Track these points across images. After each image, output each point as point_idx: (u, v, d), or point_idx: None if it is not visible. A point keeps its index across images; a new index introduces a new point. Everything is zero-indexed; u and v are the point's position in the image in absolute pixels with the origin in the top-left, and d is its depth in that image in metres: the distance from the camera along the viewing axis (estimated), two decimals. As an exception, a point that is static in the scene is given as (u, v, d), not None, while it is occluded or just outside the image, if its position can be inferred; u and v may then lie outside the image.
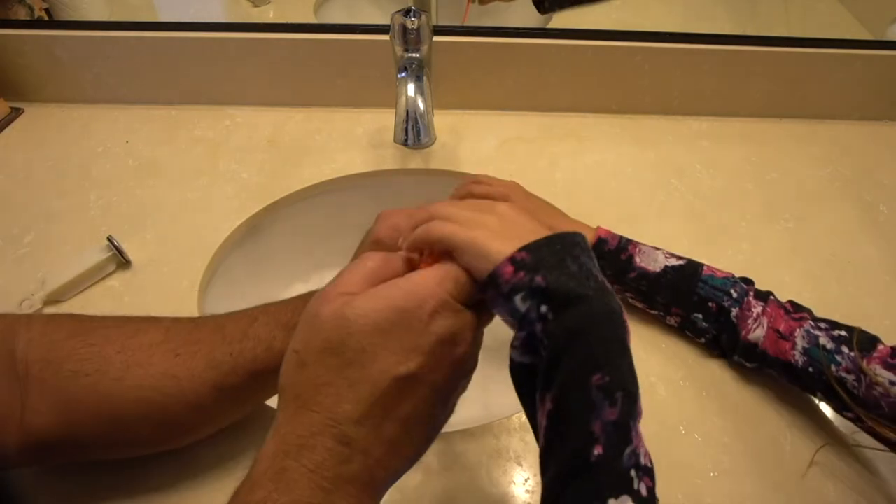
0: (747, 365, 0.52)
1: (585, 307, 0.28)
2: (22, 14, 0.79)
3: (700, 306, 0.52)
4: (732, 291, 0.51)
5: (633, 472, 0.26)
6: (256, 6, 0.88)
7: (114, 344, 0.41)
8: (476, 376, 0.33)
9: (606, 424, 0.26)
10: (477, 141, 0.77)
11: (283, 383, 0.30)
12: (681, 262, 0.53)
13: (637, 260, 0.53)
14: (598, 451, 0.26)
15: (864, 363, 0.44)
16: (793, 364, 0.48)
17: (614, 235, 0.55)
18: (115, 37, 0.75)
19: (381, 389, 0.28)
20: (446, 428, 0.45)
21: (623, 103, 0.82)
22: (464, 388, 0.32)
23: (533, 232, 0.31)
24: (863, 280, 0.63)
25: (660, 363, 0.54)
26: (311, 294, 0.43)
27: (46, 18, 0.81)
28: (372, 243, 0.40)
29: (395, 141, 0.65)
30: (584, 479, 0.26)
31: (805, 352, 0.47)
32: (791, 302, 0.51)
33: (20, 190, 0.69)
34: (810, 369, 0.47)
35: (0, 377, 0.38)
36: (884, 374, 0.43)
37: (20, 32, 0.76)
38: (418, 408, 0.29)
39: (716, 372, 0.53)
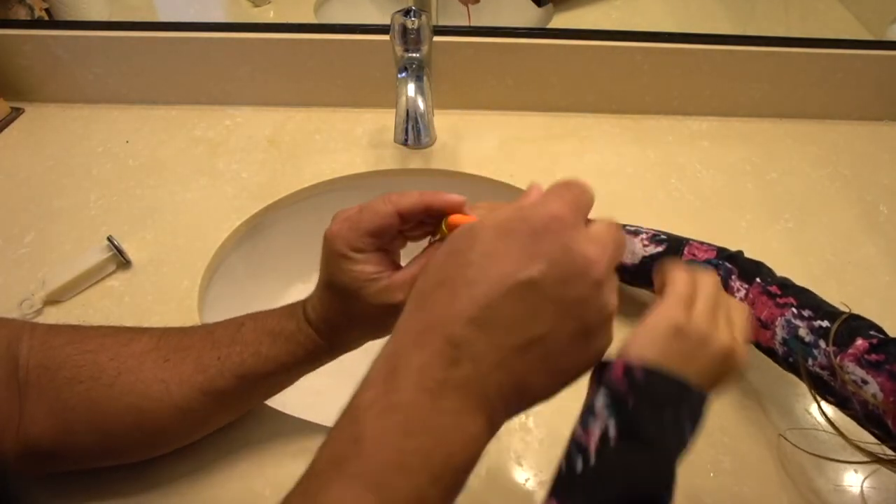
0: None
1: (648, 455, 0.27)
2: (22, 14, 0.79)
3: None
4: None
5: None
6: (256, 6, 0.88)
7: (108, 351, 0.41)
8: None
9: None
10: (477, 141, 0.77)
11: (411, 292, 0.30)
12: (659, 249, 0.50)
13: None
14: None
15: (838, 360, 0.41)
16: (775, 351, 0.46)
17: None
18: (115, 37, 0.75)
19: (498, 292, 0.26)
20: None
21: (623, 103, 0.82)
22: (603, 332, 0.28)
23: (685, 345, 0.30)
24: (863, 280, 0.63)
25: (660, 363, 0.54)
26: (299, 302, 0.43)
27: (46, 18, 0.81)
28: (325, 241, 0.39)
29: (395, 141, 0.65)
30: None
31: (784, 342, 0.45)
32: (780, 284, 0.48)
33: (20, 190, 0.68)
34: (790, 359, 0.45)
35: (2, 385, 0.38)
36: (856, 373, 0.40)
37: (20, 32, 0.76)
38: (540, 327, 0.27)
39: (716, 372, 0.53)
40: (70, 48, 0.76)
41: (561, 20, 0.88)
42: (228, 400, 0.43)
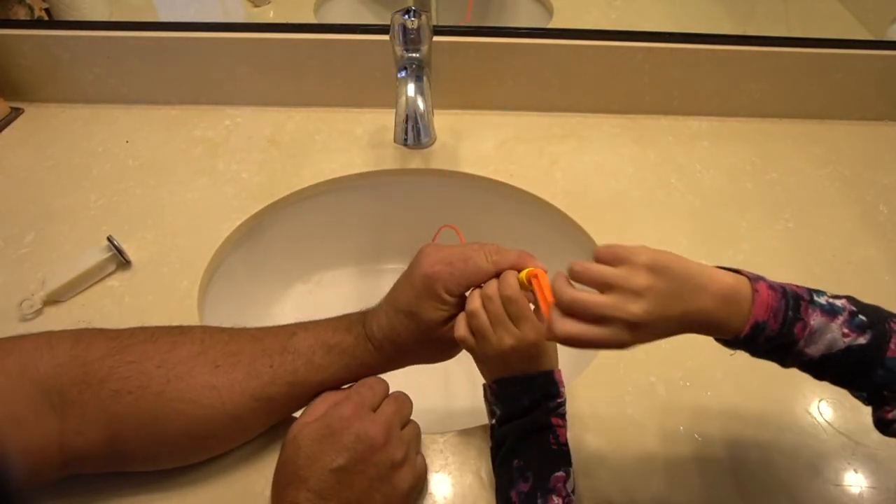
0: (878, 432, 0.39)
1: (513, 426, 0.42)
2: (22, 14, 0.79)
3: (870, 389, 0.38)
4: None
5: None
6: (256, 6, 0.88)
7: (153, 359, 0.41)
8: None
9: (520, 493, 0.40)
10: (477, 141, 0.77)
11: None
12: (862, 341, 0.37)
13: (802, 345, 0.37)
14: None
15: None
16: None
17: (778, 311, 0.37)
18: (115, 37, 0.75)
19: (324, 479, 0.38)
20: (450, 426, 0.47)
21: (623, 103, 0.82)
22: (397, 474, 0.40)
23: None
24: (863, 280, 0.63)
25: (660, 363, 0.54)
26: (356, 316, 0.46)
27: (46, 18, 0.81)
28: (424, 277, 0.41)
29: (395, 141, 0.65)
30: None
31: None
32: None
33: (20, 190, 0.69)
34: None
35: (29, 411, 0.38)
36: None
37: (20, 32, 0.76)
38: (359, 492, 0.38)
39: (716, 373, 0.53)
40: (70, 48, 0.76)
41: (561, 20, 0.88)
42: (277, 406, 0.44)
